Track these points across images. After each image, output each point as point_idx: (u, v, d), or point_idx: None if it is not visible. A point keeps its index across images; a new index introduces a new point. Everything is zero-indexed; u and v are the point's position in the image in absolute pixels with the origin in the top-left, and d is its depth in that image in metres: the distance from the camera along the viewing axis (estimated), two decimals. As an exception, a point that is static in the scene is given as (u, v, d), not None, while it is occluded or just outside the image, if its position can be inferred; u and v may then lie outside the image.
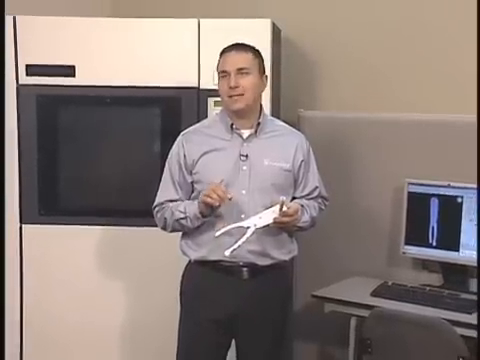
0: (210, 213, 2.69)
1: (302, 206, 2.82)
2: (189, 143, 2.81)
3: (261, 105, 2.86)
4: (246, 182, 2.74)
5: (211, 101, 3.30)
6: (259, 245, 2.73)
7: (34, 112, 3.42)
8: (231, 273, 2.76)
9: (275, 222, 2.66)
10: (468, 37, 3.45)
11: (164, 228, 2.84)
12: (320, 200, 2.94)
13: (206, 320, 2.80)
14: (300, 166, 2.83)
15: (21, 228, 3.48)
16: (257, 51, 2.82)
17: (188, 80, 3.35)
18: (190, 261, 2.84)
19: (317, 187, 2.91)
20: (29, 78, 3.39)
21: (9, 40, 3.34)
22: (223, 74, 2.74)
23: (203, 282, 2.83)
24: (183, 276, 2.90)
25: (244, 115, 2.76)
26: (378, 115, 3.62)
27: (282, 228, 2.75)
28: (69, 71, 3.36)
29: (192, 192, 2.82)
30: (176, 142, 2.86)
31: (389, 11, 3.69)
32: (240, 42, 2.82)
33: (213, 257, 2.76)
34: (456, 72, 3.53)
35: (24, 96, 3.40)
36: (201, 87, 3.34)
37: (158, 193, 2.86)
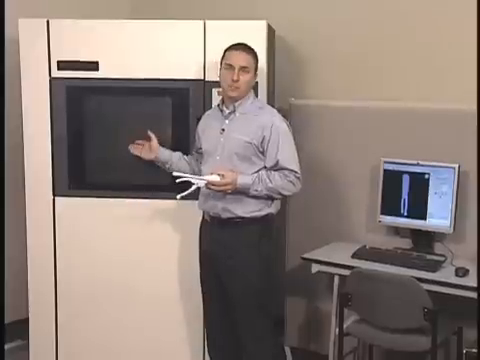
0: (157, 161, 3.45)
1: (259, 178, 3.16)
2: (201, 120, 3.42)
3: (251, 92, 3.26)
4: (220, 150, 3.25)
5: (215, 91, 3.48)
6: (222, 202, 3.22)
7: (64, 101, 3.58)
8: (210, 221, 3.32)
9: (206, 186, 3.16)
10: (445, 33, 3.60)
11: None
12: (286, 172, 3.17)
13: (201, 253, 3.39)
14: (262, 141, 3.17)
15: (54, 200, 3.65)
16: (256, 53, 3.22)
17: (195, 73, 3.51)
18: None
19: (278, 161, 3.17)
20: (60, 72, 3.55)
21: (43, 40, 3.52)
22: (228, 66, 3.16)
23: (200, 226, 3.42)
24: None
25: (234, 101, 3.23)
26: (359, 103, 3.82)
27: (219, 191, 3.17)
28: (93, 66, 3.53)
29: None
30: None
31: (369, 14, 3.85)
32: (245, 43, 3.19)
33: (199, 207, 3.37)
34: (429, 67, 3.69)
35: (55, 87, 3.56)
36: (206, 79, 3.50)
37: None
